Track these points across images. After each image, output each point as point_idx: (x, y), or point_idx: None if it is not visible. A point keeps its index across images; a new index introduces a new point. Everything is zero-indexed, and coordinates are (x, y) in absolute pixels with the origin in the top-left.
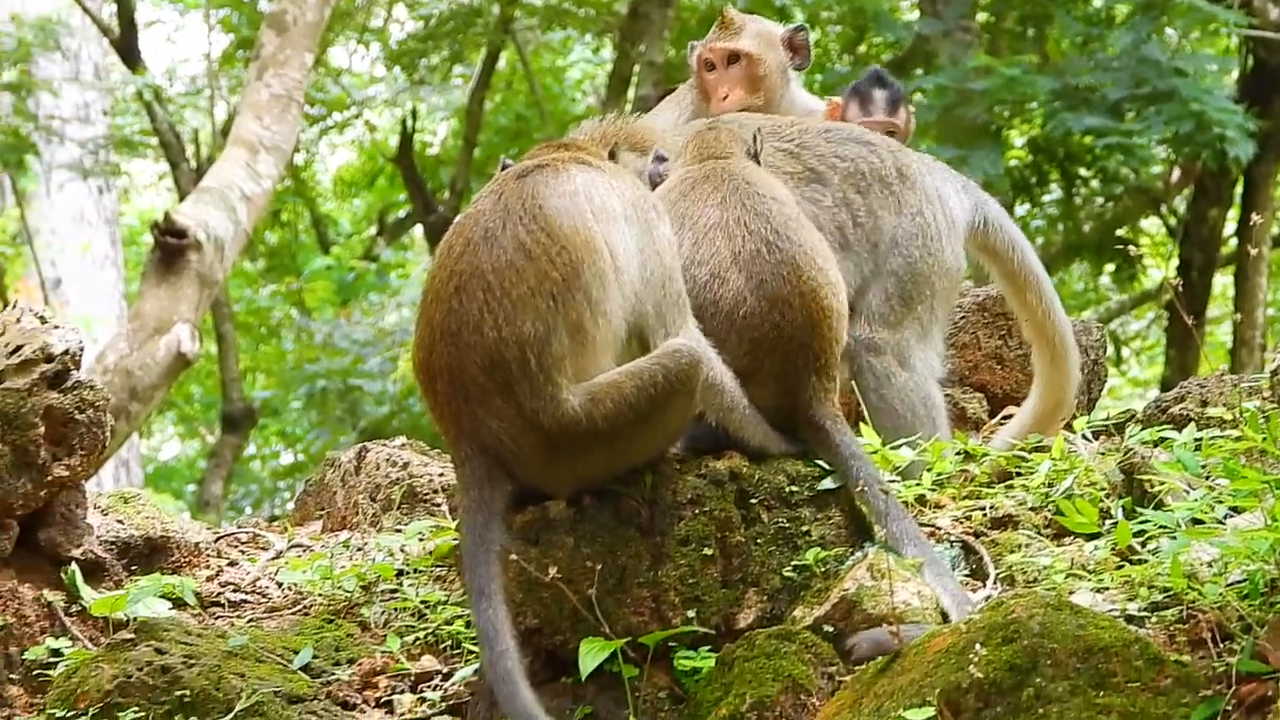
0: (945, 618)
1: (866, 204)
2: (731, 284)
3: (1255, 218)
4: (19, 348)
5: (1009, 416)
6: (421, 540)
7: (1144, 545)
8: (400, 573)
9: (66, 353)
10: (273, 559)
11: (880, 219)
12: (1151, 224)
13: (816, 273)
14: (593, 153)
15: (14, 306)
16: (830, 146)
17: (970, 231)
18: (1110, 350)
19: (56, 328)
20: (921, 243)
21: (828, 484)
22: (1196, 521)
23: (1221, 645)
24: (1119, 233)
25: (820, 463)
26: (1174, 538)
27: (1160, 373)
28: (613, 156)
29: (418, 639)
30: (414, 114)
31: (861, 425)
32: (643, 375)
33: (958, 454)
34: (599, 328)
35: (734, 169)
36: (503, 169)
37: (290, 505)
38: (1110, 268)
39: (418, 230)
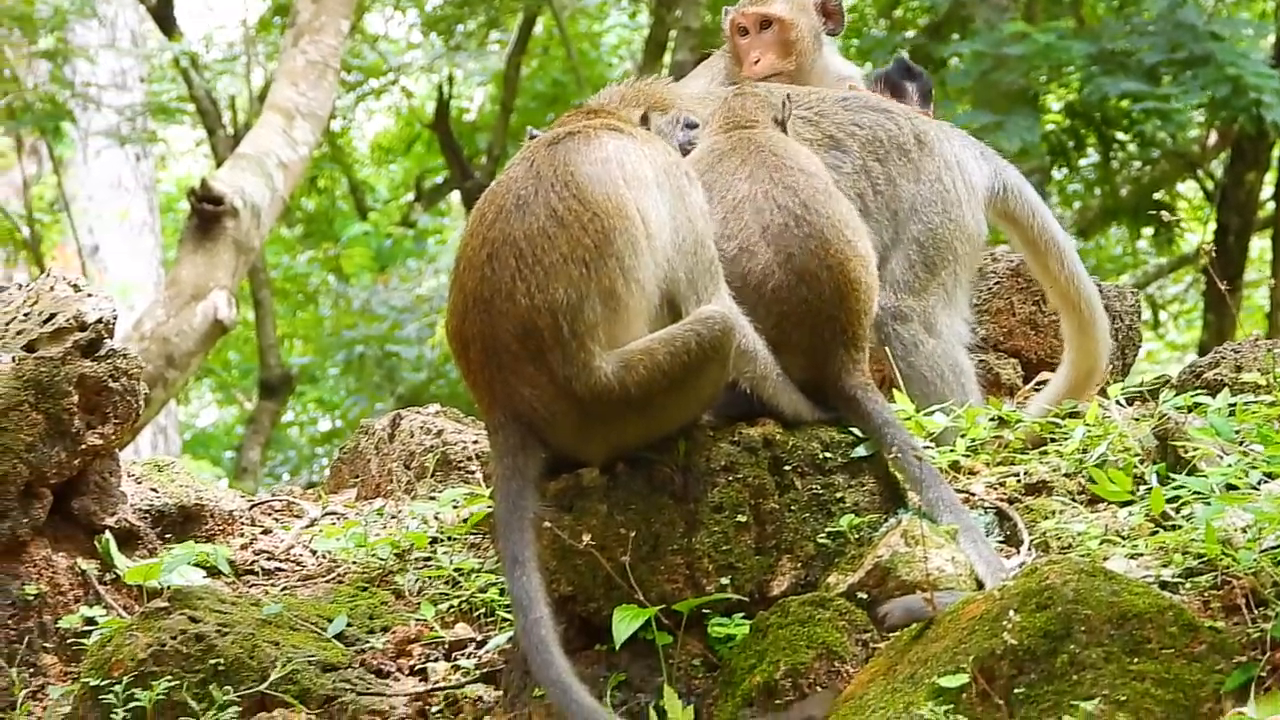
0: (980, 585)
1: (885, 171)
2: (760, 258)
3: None
4: (52, 316)
5: (1043, 382)
6: (455, 508)
7: (1178, 511)
8: (434, 540)
9: (100, 321)
10: (307, 527)
11: (899, 186)
12: (1188, 188)
13: (845, 245)
14: (624, 119)
15: (47, 275)
16: (848, 114)
17: (990, 198)
18: (1147, 314)
19: (90, 296)
20: (941, 208)
21: (861, 451)
22: (1230, 487)
23: (1256, 611)
24: (1156, 197)
25: (854, 430)
26: (1208, 504)
27: (1198, 337)
28: (645, 122)
29: (451, 607)
30: (450, 80)
31: (895, 393)
32: (676, 342)
33: (991, 420)
34: (631, 294)
35: (761, 140)
36: (531, 139)
37: (327, 471)
38: (1147, 232)
39: (455, 196)
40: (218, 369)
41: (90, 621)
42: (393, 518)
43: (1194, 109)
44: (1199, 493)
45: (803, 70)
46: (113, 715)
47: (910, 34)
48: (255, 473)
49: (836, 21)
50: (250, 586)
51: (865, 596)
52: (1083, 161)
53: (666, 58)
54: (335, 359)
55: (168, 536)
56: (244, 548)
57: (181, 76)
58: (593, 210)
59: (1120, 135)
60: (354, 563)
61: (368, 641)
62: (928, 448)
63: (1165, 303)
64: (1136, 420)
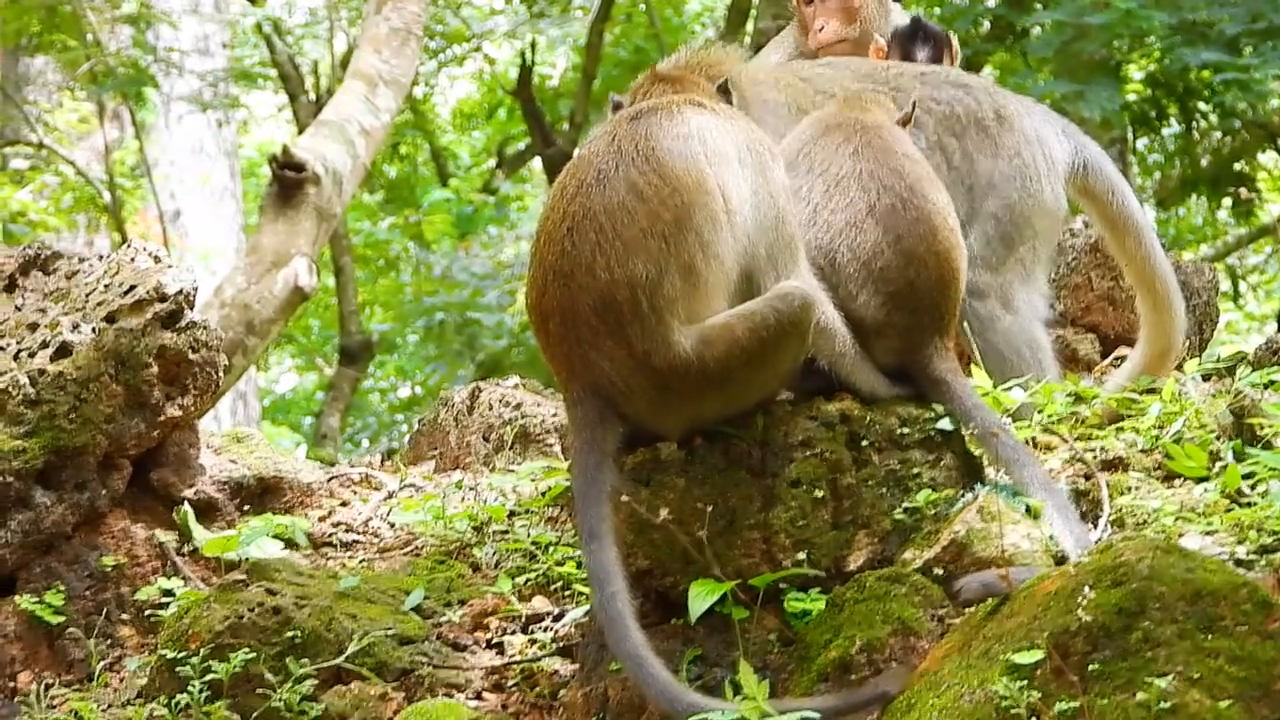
0: (1060, 560)
1: (962, 147)
2: (869, 234)
3: None
4: (133, 287)
5: (1121, 358)
6: (534, 481)
7: (1253, 488)
8: (512, 514)
9: (180, 292)
10: (385, 499)
11: (976, 162)
12: (1269, 158)
13: (950, 234)
14: (706, 92)
15: (128, 246)
16: (926, 89)
17: (1070, 174)
18: (1226, 286)
19: (170, 267)
20: (1020, 184)
21: (945, 424)
22: None
23: None
24: (1236, 167)
25: (932, 406)
26: None
27: (1278, 308)
28: (725, 93)
29: (529, 580)
30: (533, 46)
31: (972, 368)
32: (755, 317)
33: (1068, 396)
34: (711, 269)
35: (867, 121)
36: (614, 108)
37: (406, 439)
38: (1227, 202)
39: (536, 163)
40: (298, 335)
41: (168, 593)
42: (471, 490)
43: (1275, 79)
44: (1275, 469)
45: (867, 36)
46: (189, 687)
47: (992, 2)
48: (335, 439)
49: None
50: (327, 559)
51: (941, 572)
52: (1164, 131)
53: (749, 25)
54: (415, 326)
55: (246, 508)
56: (322, 520)
57: (264, 42)
58: (673, 185)
59: (1201, 105)
60: (431, 535)
61: (444, 615)
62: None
63: (1245, 273)
64: (1213, 397)
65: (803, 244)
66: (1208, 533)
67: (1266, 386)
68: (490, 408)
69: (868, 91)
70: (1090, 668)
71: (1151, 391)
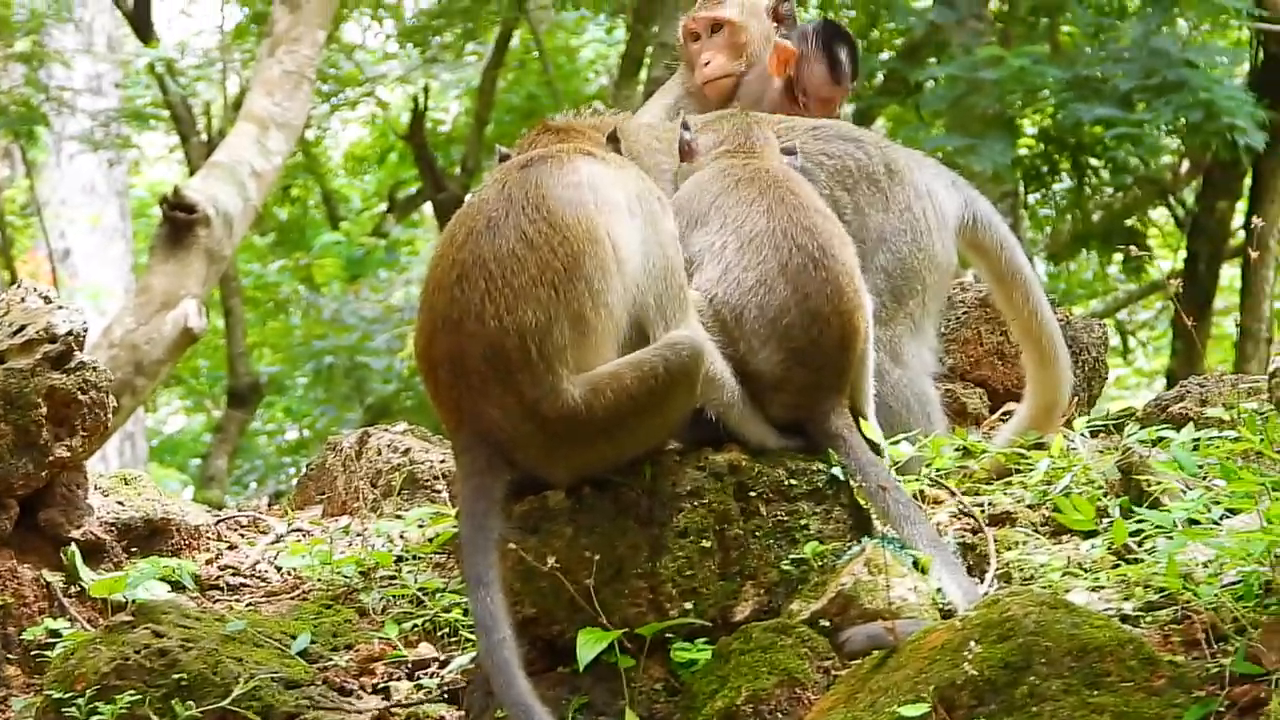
0: (949, 614)
1: (853, 201)
2: (779, 293)
3: (1256, 221)
4: (23, 327)
5: (1009, 413)
6: (421, 527)
7: (1140, 545)
8: (399, 559)
9: (70, 333)
10: (272, 543)
11: (867, 216)
12: (1160, 215)
13: (855, 294)
14: (596, 142)
15: (18, 286)
16: (818, 144)
17: (960, 227)
18: (1116, 341)
19: (61, 308)
20: (910, 238)
21: (835, 472)
22: (1193, 522)
23: (1216, 646)
24: (1127, 223)
25: (819, 458)
26: (1170, 538)
27: (1166, 364)
28: (614, 143)
29: (415, 626)
30: (426, 91)
31: (861, 422)
32: (644, 366)
33: (957, 450)
34: (600, 318)
35: (777, 174)
36: (500, 159)
37: (294, 482)
38: (1118, 258)
39: (428, 208)
40: (186, 376)
41: (54, 634)
42: (358, 535)
43: (1167, 134)
44: (1161, 527)
45: (753, 74)
46: None
47: (885, 56)
48: (222, 481)
49: (788, 26)
50: (215, 602)
51: (828, 624)
52: (1056, 186)
53: (643, 74)
54: (304, 369)
55: (133, 550)
56: (209, 563)
57: (157, 82)
58: (563, 234)
59: (1093, 161)
60: (319, 580)
61: (331, 659)
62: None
63: (1135, 329)
64: (1101, 453)
65: (690, 294)
66: (1094, 588)
67: (1154, 444)
68: (379, 453)
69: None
70: None
71: (1040, 447)
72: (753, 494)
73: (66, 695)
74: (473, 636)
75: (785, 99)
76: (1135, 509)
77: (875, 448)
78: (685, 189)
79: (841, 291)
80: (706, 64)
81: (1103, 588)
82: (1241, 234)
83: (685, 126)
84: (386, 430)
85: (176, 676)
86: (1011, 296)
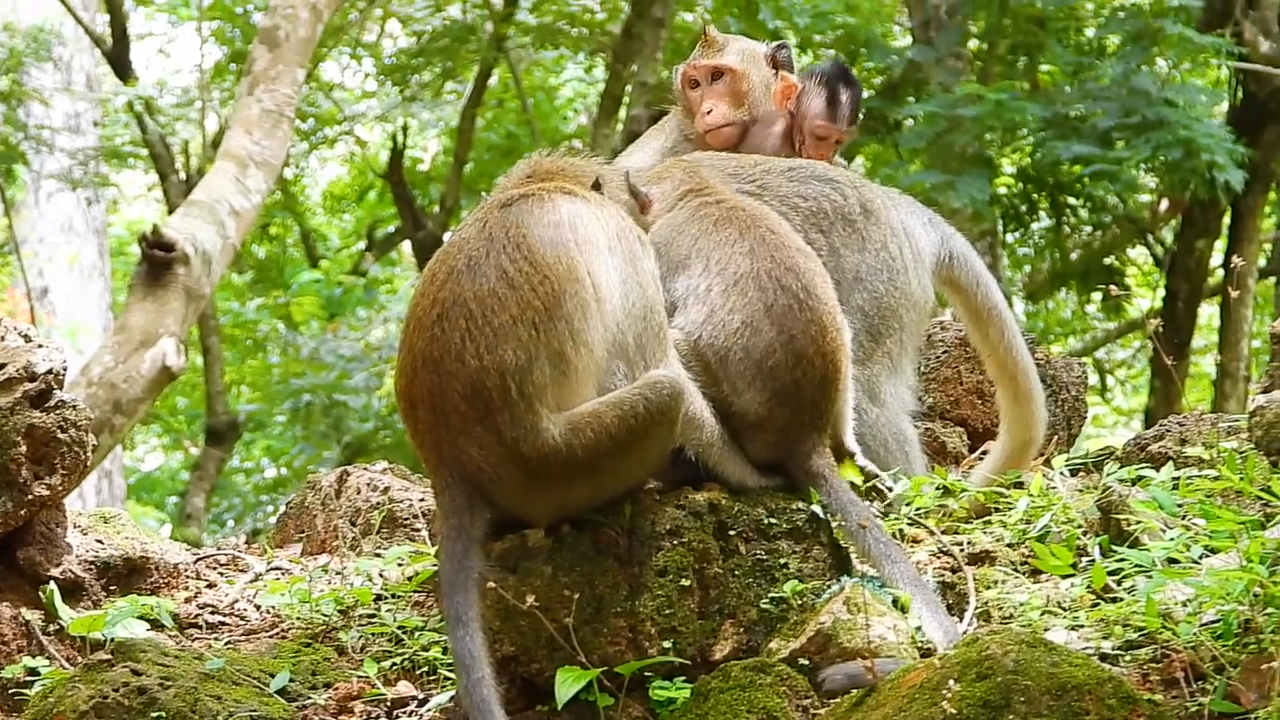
0: (928, 653)
1: (828, 242)
2: (764, 335)
3: (1236, 260)
4: (2, 366)
5: (988, 452)
6: (400, 565)
7: (1119, 584)
8: (378, 598)
9: (50, 372)
10: (251, 581)
11: (842, 257)
12: (1139, 253)
13: (837, 334)
14: (577, 182)
15: None
16: (793, 186)
17: (936, 265)
18: (1094, 380)
19: (40, 346)
20: (887, 277)
21: (817, 511)
22: (1172, 561)
23: (1194, 685)
24: (1106, 262)
25: (799, 497)
26: (1149, 577)
27: (1145, 402)
28: (598, 187)
29: (394, 664)
30: (405, 130)
31: (847, 457)
32: (624, 406)
33: (936, 489)
34: (580, 357)
35: (754, 213)
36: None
37: (273, 520)
38: (1097, 296)
39: (406, 246)
40: (164, 414)
41: (33, 672)
42: (337, 574)
43: (1146, 172)
44: (1140, 566)
45: (755, 121)
46: None
47: (865, 94)
48: (200, 519)
49: (787, 73)
50: (194, 640)
51: (807, 663)
52: (1034, 225)
53: (622, 112)
54: (283, 407)
55: (112, 588)
56: (188, 601)
57: (135, 121)
58: (543, 273)
59: (1072, 200)
60: (298, 618)
61: (310, 697)
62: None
63: (1113, 367)
64: (1080, 492)
65: (670, 333)
66: (1073, 627)
67: (1134, 482)
68: (358, 491)
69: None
70: None
71: (1019, 485)
72: (732, 533)
73: None
74: (452, 675)
75: (783, 146)
76: (1115, 548)
77: (868, 476)
78: (660, 233)
79: (825, 331)
80: (709, 112)
81: (1082, 626)
82: (1220, 273)
83: (630, 179)
84: (366, 469)
85: (155, 715)
86: (987, 333)
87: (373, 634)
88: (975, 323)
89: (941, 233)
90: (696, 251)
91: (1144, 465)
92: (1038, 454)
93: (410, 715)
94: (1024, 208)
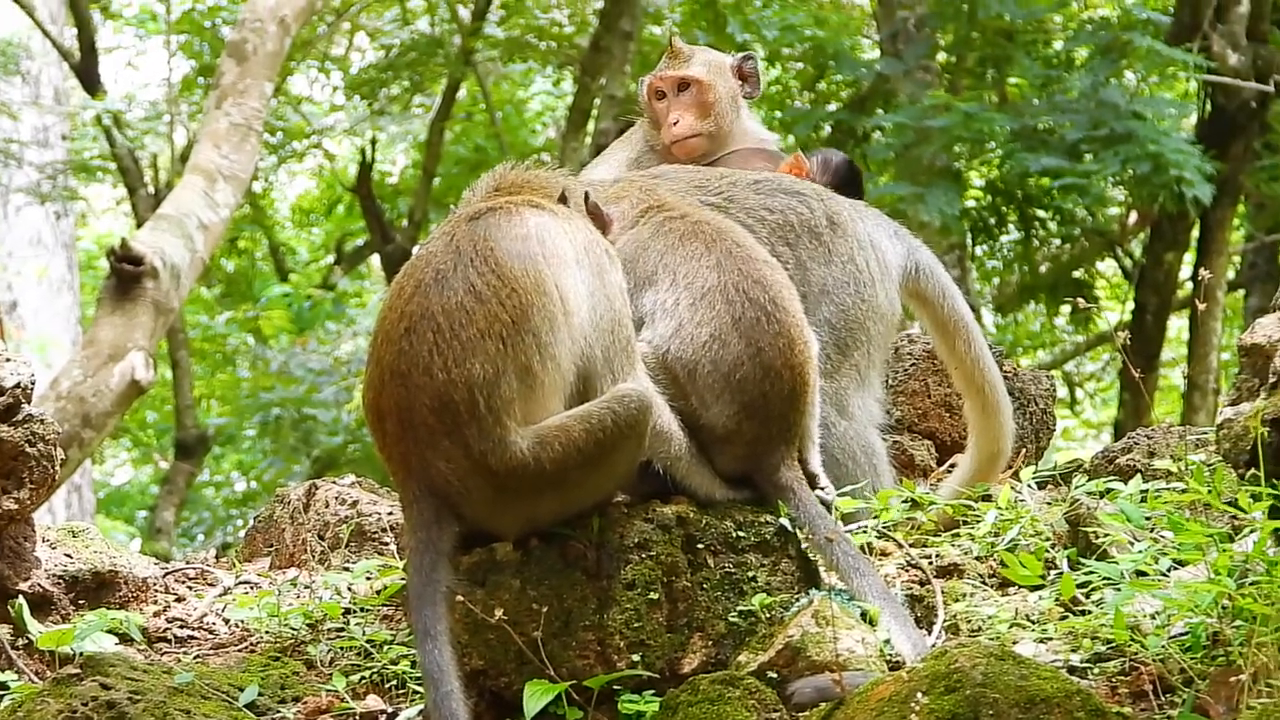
0: (897, 666)
1: (795, 255)
2: (732, 348)
3: (1205, 273)
4: None
5: (956, 465)
6: (369, 579)
7: (1088, 596)
8: (347, 611)
9: (18, 386)
10: (220, 595)
11: (809, 269)
12: (1108, 266)
13: (805, 346)
14: (544, 194)
15: None
16: (759, 199)
17: (903, 277)
18: (1063, 393)
19: (8, 360)
20: (854, 289)
21: (785, 524)
22: (1140, 574)
23: (1163, 698)
24: (1075, 275)
25: (767, 510)
26: (1118, 589)
27: (1114, 415)
28: (564, 200)
29: (363, 678)
30: (373, 143)
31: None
32: (592, 419)
33: (904, 502)
34: (547, 371)
35: (719, 226)
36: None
37: (242, 534)
38: (1066, 309)
39: (375, 260)
40: (134, 428)
41: (2, 686)
42: (306, 588)
43: (1115, 186)
44: (1109, 578)
45: (721, 132)
46: None
47: (833, 107)
48: (169, 533)
49: (753, 85)
50: (162, 654)
51: (775, 676)
52: (1003, 238)
53: (590, 125)
54: (252, 420)
55: (81, 602)
56: (157, 615)
57: (104, 135)
58: (511, 286)
59: (1041, 212)
60: (266, 632)
61: (279, 711)
62: (847, 531)
63: (1082, 380)
64: (1049, 504)
65: (638, 346)
66: (1042, 640)
67: (1102, 495)
68: (327, 505)
69: (694, 199)
70: None
71: (987, 499)
72: (700, 546)
73: None
74: (421, 689)
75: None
76: (1083, 560)
77: (823, 498)
78: (626, 249)
79: (793, 344)
80: (675, 123)
81: (1050, 639)
82: (1189, 285)
83: (588, 198)
84: (334, 482)
85: None
86: (954, 345)
87: (341, 648)
88: (942, 335)
89: (908, 245)
90: (663, 266)
91: (1112, 478)
92: (1006, 466)
93: None
94: (993, 220)
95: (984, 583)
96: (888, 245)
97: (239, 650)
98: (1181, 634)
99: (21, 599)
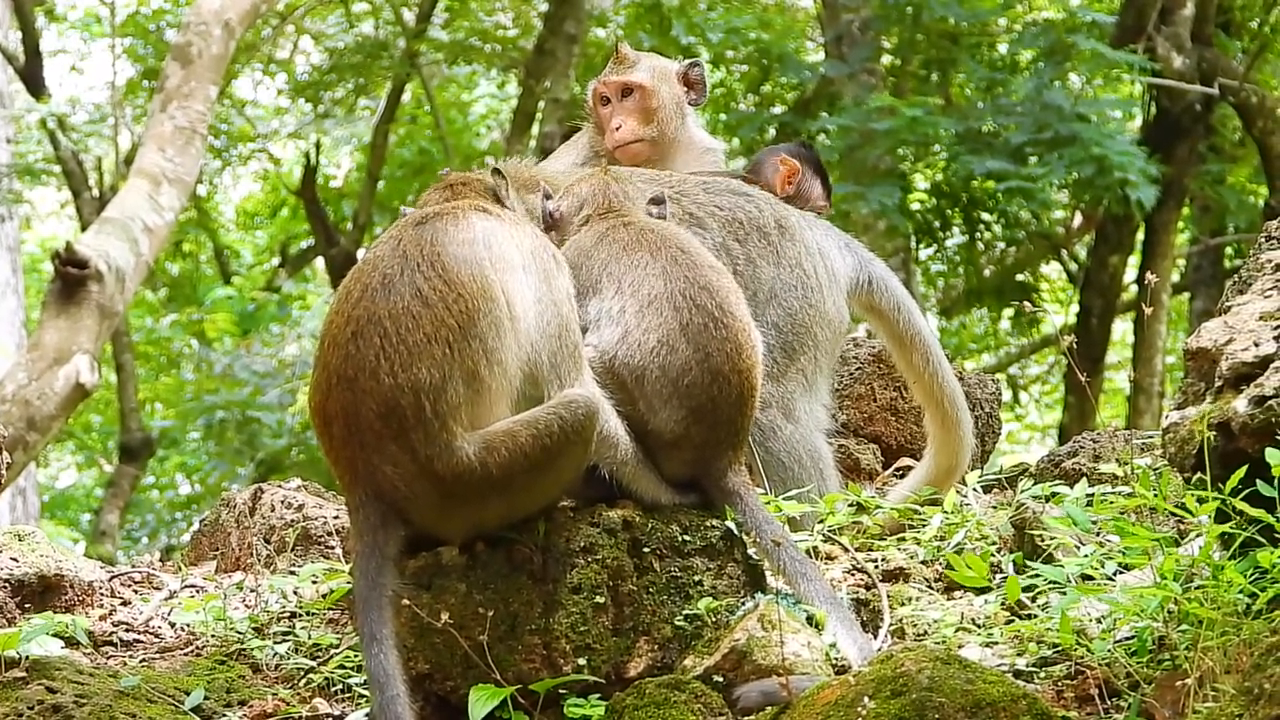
0: (843, 669)
1: (745, 252)
2: (680, 354)
3: (1150, 277)
4: None
5: (903, 469)
6: (315, 583)
7: (1034, 600)
8: (293, 615)
9: None
10: (166, 599)
11: (759, 268)
12: (1052, 269)
13: (752, 351)
14: (492, 199)
15: None
16: (708, 196)
17: (854, 289)
18: (1008, 396)
19: None
20: (801, 294)
21: (731, 528)
22: (1086, 578)
23: (1109, 702)
24: (1020, 278)
25: (713, 514)
26: (1064, 593)
27: (1059, 419)
28: (498, 200)
29: (309, 682)
30: (318, 147)
31: (752, 477)
32: (538, 424)
33: (850, 506)
34: (494, 376)
35: (663, 233)
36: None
37: (187, 537)
38: (1010, 312)
39: (319, 262)
40: (78, 431)
41: None
42: (252, 591)
43: (1059, 189)
44: (1055, 582)
45: (665, 138)
46: None
47: (778, 109)
48: (114, 536)
49: (699, 92)
50: (108, 658)
51: (721, 680)
52: (948, 241)
53: (535, 128)
54: (196, 424)
55: (26, 606)
56: (103, 619)
57: (48, 138)
58: (457, 291)
59: (985, 215)
60: (212, 636)
61: (225, 715)
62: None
63: (1027, 383)
64: (994, 509)
65: (585, 351)
66: (988, 644)
67: (1048, 499)
68: (272, 509)
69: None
70: None
71: (933, 503)
72: (646, 550)
73: None
74: (366, 693)
75: None
76: (1029, 564)
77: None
78: (569, 257)
79: (741, 349)
80: (618, 128)
81: (996, 643)
82: (1134, 288)
83: (547, 196)
84: (280, 486)
85: None
86: (911, 359)
87: (288, 652)
88: (899, 349)
89: (859, 257)
90: (607, 275)
91: (1058, 481)
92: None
93: None
94: (937, 223)
95: (930, 587)
96: (837, 255)
97: (185, 654)
98: (1127, 638)
99: None
